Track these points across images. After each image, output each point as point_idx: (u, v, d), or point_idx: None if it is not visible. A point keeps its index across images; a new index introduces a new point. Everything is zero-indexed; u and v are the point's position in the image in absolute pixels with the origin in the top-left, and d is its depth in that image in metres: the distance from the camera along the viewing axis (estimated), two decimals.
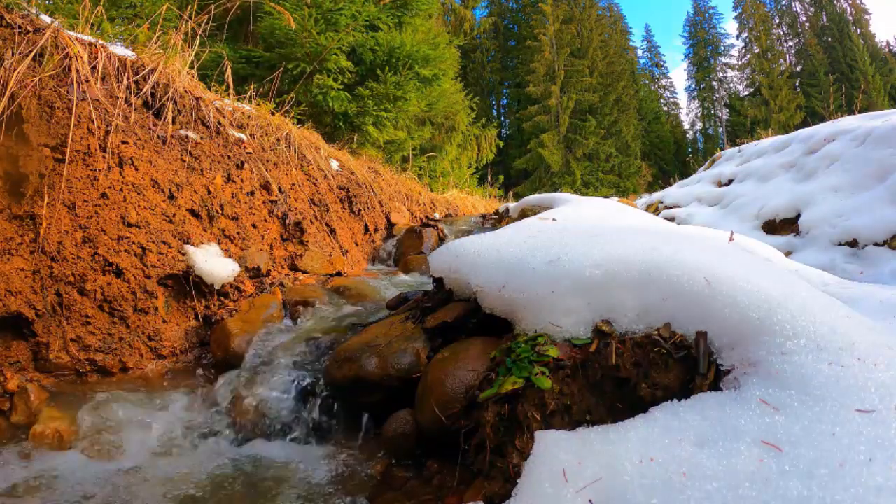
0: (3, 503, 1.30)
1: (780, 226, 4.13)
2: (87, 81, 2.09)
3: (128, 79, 2.30)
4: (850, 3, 32.63)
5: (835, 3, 32.94)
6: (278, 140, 3.22)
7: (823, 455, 0.76)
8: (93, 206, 2.01)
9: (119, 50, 2.40)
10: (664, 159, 33.86)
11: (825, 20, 33.00)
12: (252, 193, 2.76)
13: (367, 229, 3.94)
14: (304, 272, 2.84)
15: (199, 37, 2.88)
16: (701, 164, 8.49)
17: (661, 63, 41.60)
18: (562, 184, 24.05)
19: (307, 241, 3.01)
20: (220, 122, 2.76)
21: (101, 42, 2.26)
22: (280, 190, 2.97)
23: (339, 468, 1.48)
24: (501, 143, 13.74)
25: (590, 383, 1.17)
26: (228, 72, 3.20)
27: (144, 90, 2.37)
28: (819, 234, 3.62)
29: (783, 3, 35.10)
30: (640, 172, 26.89)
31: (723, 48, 37.56)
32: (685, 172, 20.69)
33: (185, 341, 2.21)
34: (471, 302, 1.63)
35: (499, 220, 4.27)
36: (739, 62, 35.28)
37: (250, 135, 3.02)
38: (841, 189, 3.82)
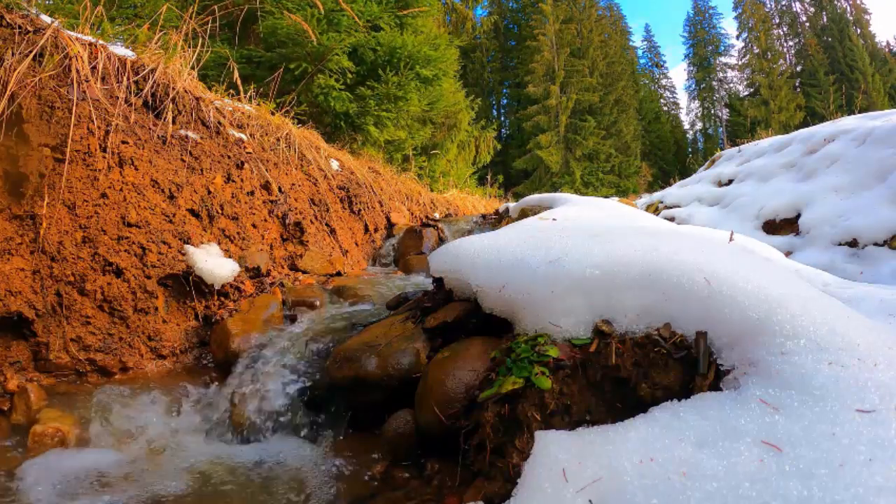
0: (3, 503, 1.30)
1: (781, 226, 4.13)
2: (87, 81, 2.09)
3: (128, 79, 2.30)
4: (851, 3, 32.61)
5: (835, 3, 32.91)
6: (278, 140, 3.21)
7: (823, 455, 0.76)
8: (93, 206, 2.01)
9: (119, 50, 2.40)
10: (664, 159, 33.82)
11: (825, 20, 32.97)
12: (252, 193, 2.76)
13: (367, 229, 3.94)
14: (304, 272, 2.84)
15: (199, 37, 2.88)
16: (701, 164, 8.49)
17: (662, 63, 41.58)
18: (561, 184, 24.03)
19: (307, 241, 3.01)
20: (220, 122, 2.76)
21: (101, 42, 2.26)
22: (280, 190, 2.97)
23: (338, 468, 1.48)
24: (500, 146, 13.74)
25: (590, 383, 1.17)
26: (236, 74, 3.20)
27: (145, 90, 2.37)
28: (819, 234, 3.62)
29: (783, 3, 35.07)
30: (640, 172, 26.87)
31: (723, 48, 37.55)
32: (685, 172, 20.68)
33: (185, 341, 2.21)
34: (471, 302, 1.63)
35: (499, 220, 4.26)
36: (739, 62, 35.24)
37: (250, 135, 3.02)
38: (841, 189, 3.83)
